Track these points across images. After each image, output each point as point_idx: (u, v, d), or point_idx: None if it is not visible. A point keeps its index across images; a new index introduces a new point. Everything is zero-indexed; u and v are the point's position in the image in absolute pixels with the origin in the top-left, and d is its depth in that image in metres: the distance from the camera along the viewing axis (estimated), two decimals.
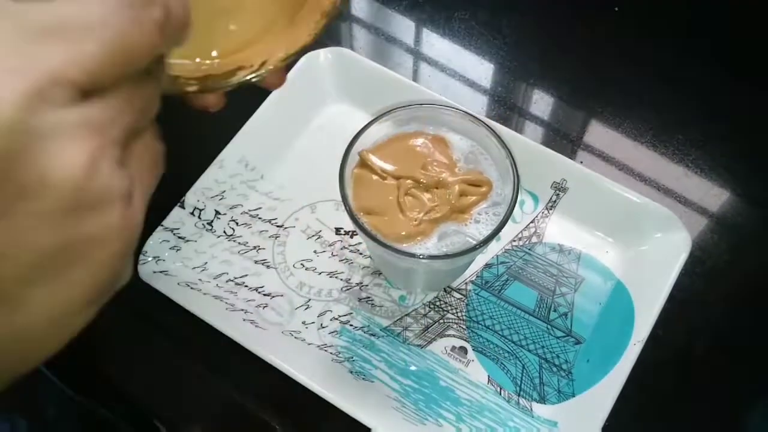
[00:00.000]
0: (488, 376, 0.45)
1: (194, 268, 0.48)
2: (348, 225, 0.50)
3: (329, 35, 0.63)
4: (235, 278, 0.48)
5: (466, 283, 0.49)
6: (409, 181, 0.40)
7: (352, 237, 0.50)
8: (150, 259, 0.47)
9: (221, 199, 0.50)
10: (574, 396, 0.45)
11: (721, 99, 0.59)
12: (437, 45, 0.61)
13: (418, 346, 0.46)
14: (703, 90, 0.59)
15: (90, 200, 0.19)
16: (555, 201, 0.51)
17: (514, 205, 0.39)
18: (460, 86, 0.59)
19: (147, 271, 0.46)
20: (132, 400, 0.47)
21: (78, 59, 0.18)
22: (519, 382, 0.45)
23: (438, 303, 0.48)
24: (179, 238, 0.48)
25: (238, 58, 0.31)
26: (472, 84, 0.59)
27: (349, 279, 0.49)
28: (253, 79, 0.31)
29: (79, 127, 0.18)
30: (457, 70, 0.60)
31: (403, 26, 0.62)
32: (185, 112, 0.59)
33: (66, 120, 0.18)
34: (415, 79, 0.59)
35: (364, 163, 0.41)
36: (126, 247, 0.21)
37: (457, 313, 0.48)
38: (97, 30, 0.18)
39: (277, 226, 0.50)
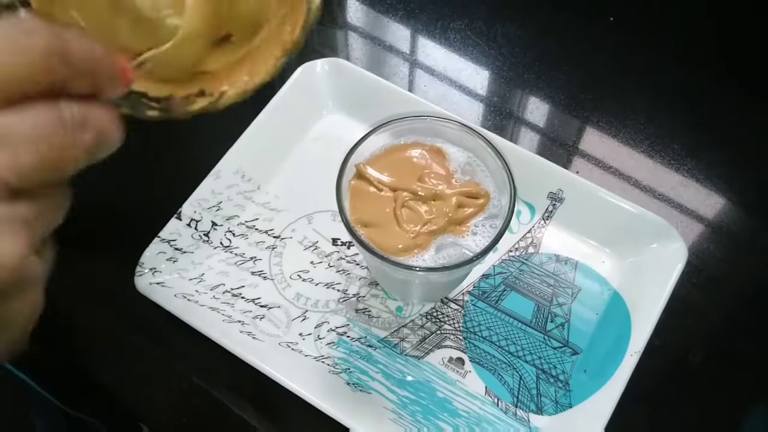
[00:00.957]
0: (486, 387, 0.45)
1: (191, 279, 0.48)
2: (345, 236, 0.50)
3: (325, 44, 0.63)
4: (232, 289, 0.48)
5: (463, 294, 0.49)
6: (406, 193, 0.40)
7: (349, 248, 0.50)
8: (146, 270, 0.47)
9: (218, 210, 0.50)
10: (571, 407, 0.45)
11: (716, 109, 0.59)
12: (433, 54, 0.61)
13: (416, 357, 0.46)
14: (698, 100, 0.59)
15: (19, 284, 0.22)
16: (551, 211, 0.51)
17: (510, 217, 0.39)
18: (456, 96, 0.59)
19: (143, 282, 0.46)
20: (126, 413, 0.47)
21: (14, 165, 0.20)
22: (516, 393, 0.45)
23: (435, 314, 0.48)
24: (176, 249, 0.48)
25: (203, 80, 0.31)
26: (468, 93, 0.59)
27: (346, 290, 0.48)
28: (209, 109, 0.31)
29: (12, 222, 0.21)
30: (453, 80, 0.60)
31: (399, 36, 0.63)
32: (182, 125, 0.59)
33: (2, 214, 0.21)
34: (411, 88, 0.60)
35: (361, 175, 0.41)
36: (36, 316, 0.24)
37: (454, 324, 0.47)
38: (32, 142, 0.21)
39: (274, 237, 0.50)
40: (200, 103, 0.31)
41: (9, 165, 0.20)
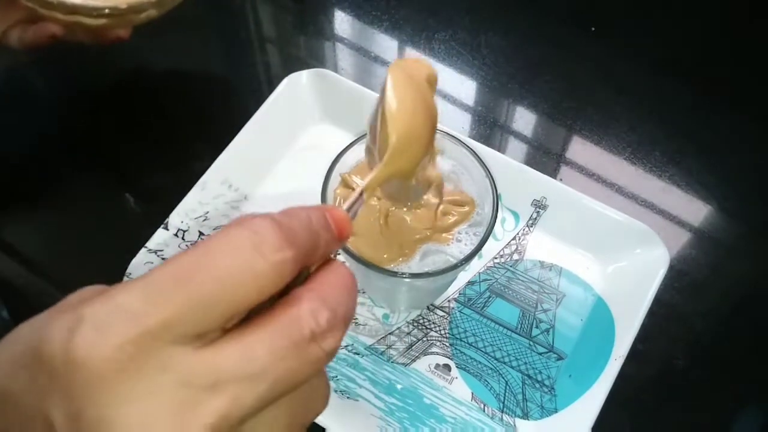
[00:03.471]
0: (472, 393, 0.46)
1: None
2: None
3: (312, 55, 0.64)
4: None
5: (449, 301, 0.49)
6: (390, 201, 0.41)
7: (335, 256, 0.50)
8: None
9: (205, 220, 0.50)
10: (557, 411, 0.45)
11: (696, 117, 0.60)
12: None
13: (402, 364, 0.47)
14: (678, 107, 0.60)
15: None
16: (535, 218, 0.51)
17: (493, 224, 0.39)
18: (440, 105, 0.59)
19: None
20: None
21: (235, 409, 0.19)
22: (502, 399, 0.46)
23: (421, 321, 0.48)
24: (163, 259, 0.48)
25: None
26: (453, 102, 0.60)
27: None
28: None
29: None
30: (438, 89, 0.60)
31: (385, 46, 0.63)
32: (169, 136, 0.59)
33: None
34: None
35: (346, 184, 0.41)
36: None
37: (440, 330, 0.48)
38: (258, 380, 0.19)
39: None
40: None
41: (230, 411, 0.19)
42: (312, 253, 0.22)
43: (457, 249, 0.41)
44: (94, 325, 0.19)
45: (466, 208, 0.42)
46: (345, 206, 0.27)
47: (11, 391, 0.20)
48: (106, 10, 0.47)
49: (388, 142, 0.31)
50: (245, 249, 0.20)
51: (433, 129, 0.33)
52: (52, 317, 0.20)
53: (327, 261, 0.24)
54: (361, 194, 0.30)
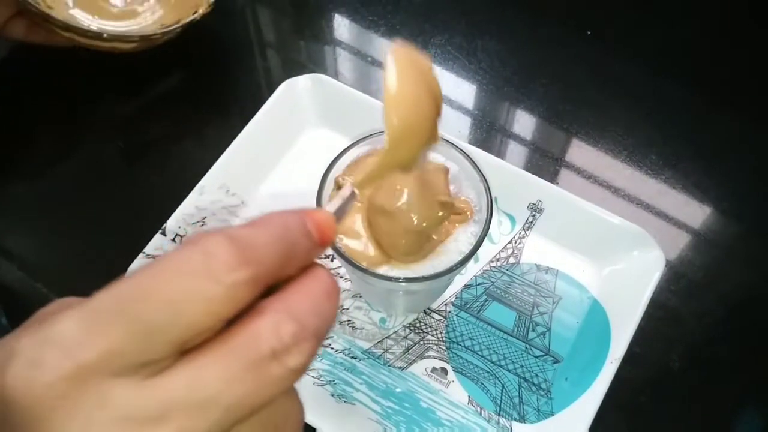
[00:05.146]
0: (468, 396, 0.46)
1: None
2: (327, 249, 0.50)
3: (310, 59, 0.64)
4: None
5: (445, 305, 0.49)
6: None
7: (332, 260, 0.50)
8: None
9: (202, 225, 0.51)
10: (553, 414, 0.45)
11: (692, 119, 0.60)
12: None
13: (399, 368, 0.47)
14: (675, 110, 0.61)
15: None
16: (531, 222, 0.51)
17: (488, 228, 0.40)
18: None
19: None
20: None
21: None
22: (499, 402, 0.46)
23: (418, 325, 0.48)
24: None
25: None
26: (450, 106, 0.60)
27: None
28: None
29: None
30: None
31: (382, 51, 0.64)
32: (166, 141, 0.60)
33: None
34: None
35: (339, 187, 0.42)
36: None
37: (437, 334, 0.48)
38: (208, 407, 0.18)
39: None
40: None
41: None
42: (283, 265, 0.20)
43: (454, 251, 0.41)
44: (26, 360, 0.17)
45: (461, 216, 0.42)
46: (332, 207, 0.26)
47: None
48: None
49: (386, 131, 0.29)
50: (194, 271, 0.18)
51: (435, 116, 0.32)
52: (1, 344, 0.19)
53: (307, 267, 0.22)
54: (353, 193, 0.28)
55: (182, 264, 0.18)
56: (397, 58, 0.29)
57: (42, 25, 0.51)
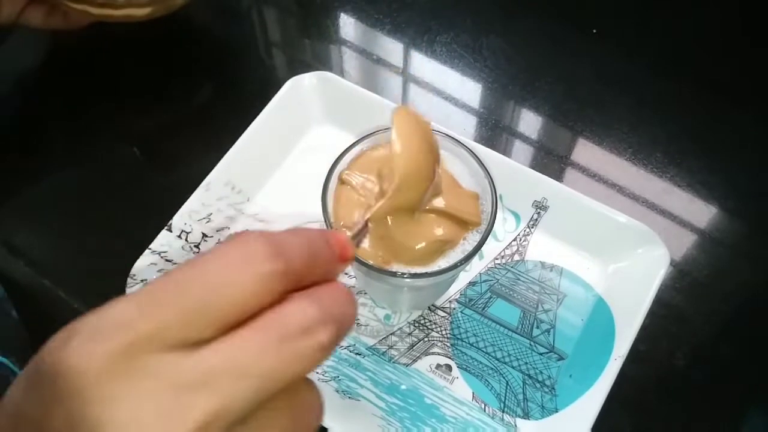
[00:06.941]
0: (473, 392, 0.46)
1: None
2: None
3: (316, 57, 0.64)
4: None
5: (450, 302, 0.49)
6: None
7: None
8: (138, 282, 0.47)
9: (208, 221, 0.51)
10: (557, 411, 0.45)
11: (696, 117, 0.60)
12: (420, 67, 0.62)
13: (404, 364, 0.47)
14: (679, 109, 0.61)
15: None
16: (536, 219, 0.51)
17: (492, 225, 0.40)
18: (442, 106, 0.60)
19: None
20: None
21: (225, 406, 0.20)
22: (503, 399, 0.46)
23: (423, 321, 0.49)
24: (166, 261, 0.49)
25: None
26: (454, 104, 0.60)
27: None
28: None
29: None
30: (440, 91, 0.61)
31: (388, 49, 0.64)
32: (172, 138, 0.60)
33: None
34: (399, 100, 0.61)
35: (345, 184, 0.42)
36: None
37: (441, 331, 0.48)
38: (245, 375, 0.20)
39: None
40: None
41: (218, 408, 0.19)
42: (309, 266, 0.23)
43: (458, 249, 0.41)
44: (87, 335, 0.20)
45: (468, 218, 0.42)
46: (350, 234, 0.30)
47: (25, 413, 0.21)
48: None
49: (394, 177, 0.35)
50: (234, 261, 0.21)
51: (434, 164, 0.37)
52: (67, 327, 0.21)
53: (328, 281, 0.24)
54: (366, 224, 0.33)
55: (224, 255, 0.21)
56: (400, 118, 0.36)
57: (55, 3, 0.51)
